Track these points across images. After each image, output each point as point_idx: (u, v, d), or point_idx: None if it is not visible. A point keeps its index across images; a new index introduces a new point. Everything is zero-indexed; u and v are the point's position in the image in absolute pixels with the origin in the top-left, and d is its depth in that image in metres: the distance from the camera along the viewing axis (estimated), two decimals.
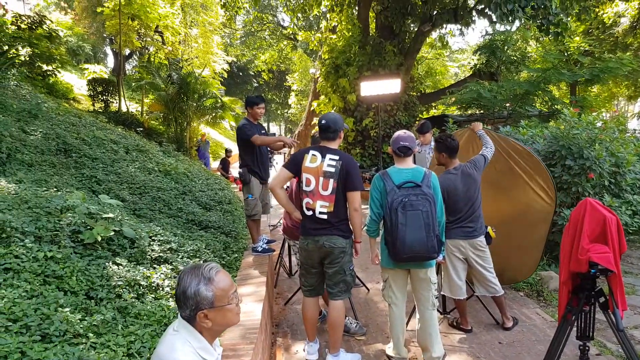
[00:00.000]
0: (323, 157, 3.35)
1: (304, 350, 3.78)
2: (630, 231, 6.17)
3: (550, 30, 10.64)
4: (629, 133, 10.82)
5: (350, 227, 3.47)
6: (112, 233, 3.72)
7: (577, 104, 9.45)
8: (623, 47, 16.32)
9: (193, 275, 1.68)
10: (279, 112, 46.81)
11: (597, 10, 15.68)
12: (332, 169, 3.31)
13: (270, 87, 40.90)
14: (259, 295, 3.74)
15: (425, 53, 20.32)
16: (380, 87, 9.27)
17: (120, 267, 3.47)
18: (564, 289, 3.23)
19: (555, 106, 10.00)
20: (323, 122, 3.43)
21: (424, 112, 15.18)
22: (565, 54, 12.11)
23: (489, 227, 4.03)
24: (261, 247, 5.01)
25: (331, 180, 3.31)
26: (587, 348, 3.51)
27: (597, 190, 5.62)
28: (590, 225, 3.02)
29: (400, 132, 3.49)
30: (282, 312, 4.66)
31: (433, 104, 16.51)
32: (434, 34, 16.10)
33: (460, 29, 14.20)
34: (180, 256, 4.10)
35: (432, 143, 5.73)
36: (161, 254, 3.95)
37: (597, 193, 5.61)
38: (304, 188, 3.39)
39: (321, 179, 3.33)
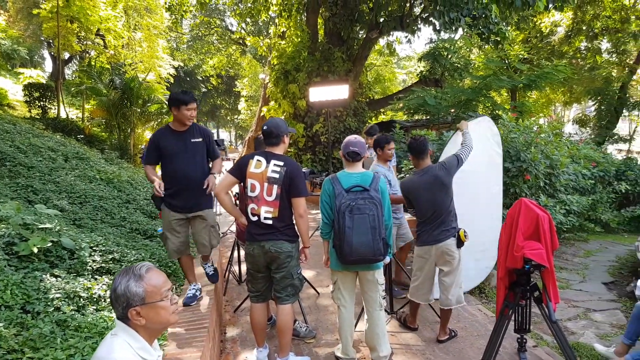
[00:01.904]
0: (268, 162, 3.35)
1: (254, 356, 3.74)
2: (565, 229, 6.53)
3: (491, 39, 11.14)
4: (565, 137, 11.45)
5: (297, 232, 3.48)
6: (50, 244, 3.58)
7: (516, 109, 9.90)
8: (559, 55, 17.31)
9: (124, 274, 1.68)
10: (228, 118, 46.32)
11: (535, 19, 16.55)
12: (277, 175, 3.31)
13: (219, 93, 40.43)
14: (205, 304, 3.68)
15: (374, 60, 20.73)
16: (329, 93, 9.37)
17: (59, 279, 3.34)
18: (501, 285, 3.38)
19: (497, 112, 10.44)
20: (265, 127, 3.43)
21: (373, 118, 15.48)
22: (506, 62, 12.70)
23: (461, 230, 3.86)
24: (188, 294, 3.81)
25: (275, 186, 3.31)
26: (524, 340, 3.69)
27: (533, 190, 5.91)
28: (524, 223, 3.18)
29: (351, 138, 3.54)
30: (232, 319, 4.60)
31: (382, 110, 16.85)
32: (382, 41, 16.47)
33: (408, 37, 14.58)
34: (123, 266, 3.96)
35: None
36: (103, 265, 3.82)
37: (534, 194, 5.90)
38: (249, 194, 3.37)
39: (265, 184, 3.32)
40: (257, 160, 3.38)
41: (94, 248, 4.03)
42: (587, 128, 17.89)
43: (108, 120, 12.89)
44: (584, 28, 17.41)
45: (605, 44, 18.71)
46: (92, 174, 6.84)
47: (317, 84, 11.20)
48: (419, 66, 16.37)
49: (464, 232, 3.88)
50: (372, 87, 17.06)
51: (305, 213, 3.41)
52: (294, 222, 3.45)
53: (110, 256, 4.00)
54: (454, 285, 3.90)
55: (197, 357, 2.86)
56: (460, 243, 3.86)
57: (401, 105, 12.51)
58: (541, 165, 5.78)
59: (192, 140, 3.73)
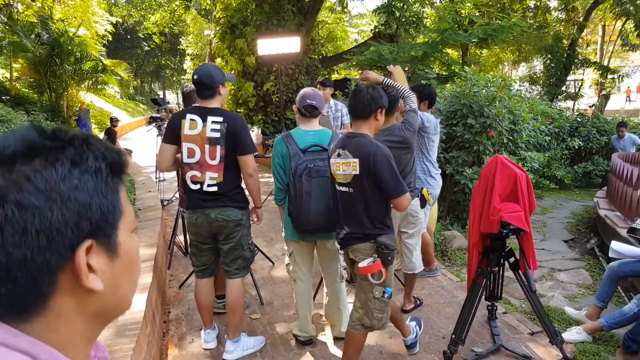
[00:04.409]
0: (204, 120, 2.81)
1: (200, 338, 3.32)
2: None
3: None
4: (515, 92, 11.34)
5: (247, 195, 3.03)
6: None
7: (467, 65, 9.63)
8: (509, 13, 17.18)
9: None
10: (174, 78, 44.31)
11: None
12: (217, 134, 2.80)
13: (163, 52, 38.38)
14: (142, 284, 3.19)
15: (325, 17, 19.97)
16: (279, 46, 8.69)
17: None
18: (474, 252, 3.06)
19: (452, 68, 10.15)
20: (195, 77, 2.83)
21: (327, 76, 14.90)
22: (457, 19, 12.37)
23: (423, 190, 3.64)
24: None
25: (218, 147, 2.81)
26: (495, 308, 3.45)
27: (496, 148, 5.66)
28: (501, 183, 2.84)
29: (308, 90, 3.05)
30: (177, 296, 4.14)
31: (335, 68, 16.28)
32: None
33: None
34: None
35: (332, 102, 5.42)
36: None
37: (497, 150, 5.65)
38: (187, 160, 2.84)
39: (207, 146, 2.81)
40: (191, 119, 2.83)
41: None
42: (537, 86, 18.09)
43: (38, 79, 11.72)
44: None
45: (553, 2, 18.78)
46: None
47: (266, 35, 10.46)
48: (372, 22, 15.81)
49: (427, 191, 3.63)
50: (324, 44, 16.42)
51: (255, 172, 2.95)
52: (243, 184, 2.99)
53: None
54: (417, 247, 3.68)
55: (129, 348, 2.40)
56: (423, 203, 3.61)
57: (355, 63, 12.00)
58: (505, 120, 5.51)
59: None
